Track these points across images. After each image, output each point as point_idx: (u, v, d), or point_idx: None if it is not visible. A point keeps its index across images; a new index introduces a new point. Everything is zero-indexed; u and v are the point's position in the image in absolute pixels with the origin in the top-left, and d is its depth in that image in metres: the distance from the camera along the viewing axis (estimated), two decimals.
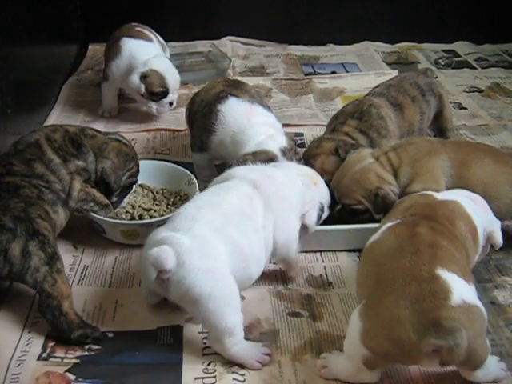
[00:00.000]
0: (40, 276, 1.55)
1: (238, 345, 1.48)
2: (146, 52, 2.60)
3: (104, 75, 2.71)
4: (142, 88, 2.53)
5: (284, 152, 1.95)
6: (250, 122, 2.02)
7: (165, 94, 2.58)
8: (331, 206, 1.88)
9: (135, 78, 2.52)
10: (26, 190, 1.68)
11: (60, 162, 1.79)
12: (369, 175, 1.88)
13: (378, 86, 2.35)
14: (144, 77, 2.52)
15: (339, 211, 1.91)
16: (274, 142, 1.97)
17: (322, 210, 1.79)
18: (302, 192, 1.73)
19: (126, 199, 2.01)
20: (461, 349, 1.23)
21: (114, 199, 1.94)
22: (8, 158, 1.77)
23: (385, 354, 1.32)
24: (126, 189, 1.98)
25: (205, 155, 2.15)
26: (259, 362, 1.49)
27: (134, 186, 2.08)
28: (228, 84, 2.20)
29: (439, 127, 2.39)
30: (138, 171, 2.00)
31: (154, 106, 2.62)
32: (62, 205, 1.77)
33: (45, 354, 1.52)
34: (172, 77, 2.59)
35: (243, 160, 1.91)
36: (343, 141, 2.04)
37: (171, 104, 2.65)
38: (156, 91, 2.55)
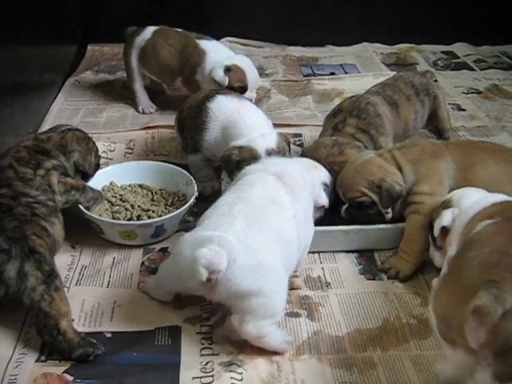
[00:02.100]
0: (37, 295, 1.51)
1: (272, 332, 1.51)
2: (224, 49, 2.69)
3: (192, 83, 2.68)
4: (227, 81, 2.55)
5: (269, 153, 1.97)
6: (240, 115, 2.04)
7: (243, 90, 2.60)
8: (337, 208, 1.90)
9: (220, 71, 2.54)
10: (19, 208, 1.66)
11: (31, 172, 1.77)
12: (371, 167, 1.87)
13: (374, 86, 2.36)
14: (228, 70, 2.56)
15: (346, 210, 1.90)
16: (264, 141, 1.98)
17: (327, 186, 1.87)
18: (309, 178, 1.79)
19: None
20: None
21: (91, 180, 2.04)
22: None
23: None
24: (97, 167, 2.09)
25: (198, 155, 2.17)
26: (286, 342, 1.54)
27: (134, 187, 2.10)
28: (213, 89, 2.30)
29: (436, 128, 2.41)
30: (97, 149, 2.11)
31: None
32: (56, 214, 1.75)
33: (42, 356, 1.52)
34: (252, 75, 2.62)
35: (229, 152, 1.96)
36: (358, 146, 2.04)
37: None
38: (235, 86, 2.57)
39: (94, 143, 2.09)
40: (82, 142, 2.01)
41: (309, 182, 1.78)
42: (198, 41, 2.66)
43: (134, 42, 2.72)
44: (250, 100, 2.45)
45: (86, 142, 2.03)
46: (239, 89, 2.55)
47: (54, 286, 1.53)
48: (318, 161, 1.96)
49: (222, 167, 2.07)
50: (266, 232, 1.51)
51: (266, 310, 1.47)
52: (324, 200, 1.82)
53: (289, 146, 2.08)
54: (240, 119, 2.03)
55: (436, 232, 1.67)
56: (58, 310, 1.52)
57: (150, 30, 2.73)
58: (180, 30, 2.75)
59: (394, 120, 2.19)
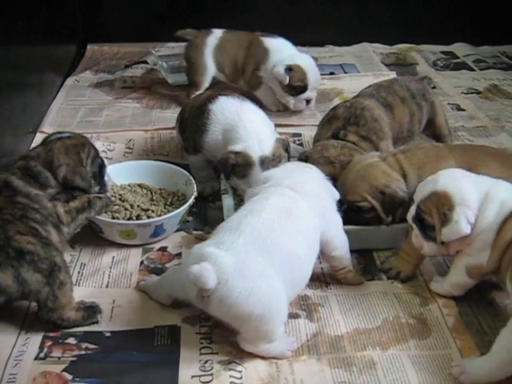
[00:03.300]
0: (42, 296, 1.52)
1: (272, 345, 1.51)
2: (288, 47, 2.76)
3: (255, 79, 2.76)
4: (287, 79, 2.62)
5: (262, 161, 1.99)
6: (240, 119, 2.05)
7: (303, 89, 2.68)
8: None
9: (281, 70, 2.62)
10: (8, 210, 1.58)
11: (37, 194, 1.67)
12: (374, 171, 1.87)
13: (368, 87, 2.35)
14: (289, 69, 2.62)
15: (345, 211, 1.88)
16: (259, 148, 1.99)
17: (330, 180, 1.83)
18: (321, 179, 1.76)
19: (109, 181, 1.90)
20: None
21: (96, 189, 1.83)
22: None
23: None
24: (100, 171, 1.85)
25: (199, 156, 2.17)
26: (289, 350, 1.54)
27: (133, 186, 2.09)
28: (216, 90, 2.33)
29: (433, 134, 2.40)
30: (96, 151, 1.86)
31: (291, 101, 2.71)
32: (54, 227, 1.66)
33: (42, 354, 1.52)
34: (313, 75, 2.69)
35: (226, 156, 1.98)
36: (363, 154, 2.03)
37: (308, 101, 2.74)
38: (295, 85, 2.64)
39: (90, 148, 1.83)
40: (71, 153, 1.76)
41: (323, 183, 1.75)
42: (263, 38, 2.74)
43: (206, 41, 2.78)
44: (309, 100, 2.67)
45: (76, 150, 1.77)
46: (299, 88, 2.64)
47: (57, 283, 1.53)
48: (328, 160, 1.97)
49: (220, 170, 2.08)
50: (269, 251, 1.48)
51: (259, 333, 1.48)
52: (336, 193, 1.78)
53: (287, 152, 2.07)
54: (240, 123, 2.04)
55: (448, 238, 1.62)
56: (62, 304, 1.54)
57: (219, 31, 2.84)
58: None
59: (390, 122, 2.18)
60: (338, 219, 1.72)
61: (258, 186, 1.71)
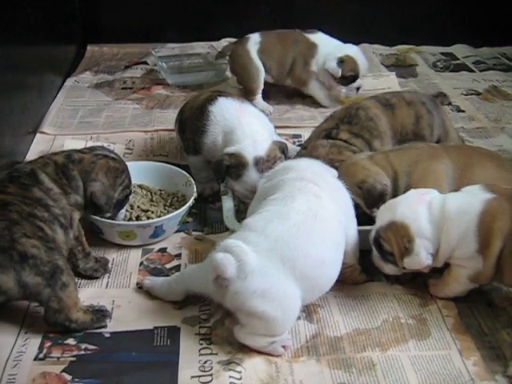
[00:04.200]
0: (44, 297, 1.52)
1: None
2: (331, 39, 2.84)
3: (305, 79, 2.82)
4: (340, 72, 2.72)
5: (256, 162, 1.99)
6: (240, 121, 2.05)
7: (354, 78, 2.77)
8: None
9: (333, 63, 2.72)
10: (16, 206, 1.57)
11: (60, 192, 1.70)
12: (354, 168, 1.88)
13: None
14: (341, 61, 2.71)
15: None
16: (254, 149, 1.99)
17: None
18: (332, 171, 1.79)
19: (123, 211, 1.92)
20: None
21: (108, 215, 1.85)
22: (2, 183, 1.68)
23: None
24: (122, 202, 1.89)
25: (199, 157, 2.17)
26: (283, 346, 1.55)
27: (133, 187, 2.09)
28: (215, 91, 2.34)
29: None
30: (130, 181, 1.90)
31: (343, 90, 2.80)
32: (61, 227, 1.65)
33: (41, 355, 1.52)
34: (362, 63, 2.78)
35: (221, 157, 2.00)
36: (354, 151, 2.03)
37: (358, 89, 2.81)
38: (347, 75, 2.73)
39: (126, 177, 1.87)
40: (110, 174, 1.80)
41: (333, 173, 1.78)
42: (307, 34, 2.82)
43: (248, 48, 2.82)
44: (359, 88, 2.74)
45: (115, 175, 1.82)
46: (351, 77, 2.73)
47: (59, 284, 1.53)
48: (317, 159, 1.96)
49: (214, 172, 2.08)
50: (292, 259, 1.49)
51: (266, 331, 1.50)
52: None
53: (284, 154, 2.06)
54: (239, 125, 2.04)
55: (410, 267, 1.66)
56: (68, 305, 1.54)
57: (255, 35, 2.86)
58: None
59: (390, 121, 2.16)
60: (351, 209, 1.73)
61: (276, 175, 1.73)
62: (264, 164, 1.99)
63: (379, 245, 1.69)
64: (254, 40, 2.84)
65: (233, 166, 2.00)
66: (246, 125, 2.04)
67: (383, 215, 1.70)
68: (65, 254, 1.63)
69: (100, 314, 1.62)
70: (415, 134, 2.20)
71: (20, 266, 1.49)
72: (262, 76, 2.82)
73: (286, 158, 2.08)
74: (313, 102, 2.94)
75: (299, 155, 2.08)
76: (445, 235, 1.62)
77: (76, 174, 1.75)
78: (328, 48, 2.77)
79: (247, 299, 1.45)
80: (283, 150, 2.07)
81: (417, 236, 1.62)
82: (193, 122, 2.16)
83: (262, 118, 2.15)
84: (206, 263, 1.58)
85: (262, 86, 2.84)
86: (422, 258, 1.62)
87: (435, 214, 1.63)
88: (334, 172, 1.79)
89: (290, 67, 2.83)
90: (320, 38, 2.82)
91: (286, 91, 3.04)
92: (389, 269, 1.72)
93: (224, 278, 1.45)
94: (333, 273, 1.59)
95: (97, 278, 1.78)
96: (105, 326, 1.61)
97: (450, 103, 2.45)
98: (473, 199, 1.63)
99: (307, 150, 2.06)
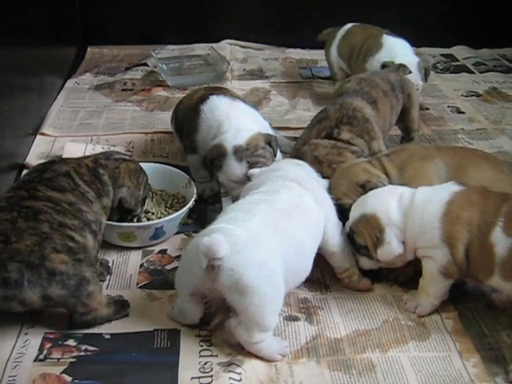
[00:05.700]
0: (69, 306, 1.54)
1: (265, 341, 1.51)
2: (403, 48, 2.80)
3: (361, 69, 2.79)
4: None
5: (236, 150, 1.98)
6: (228, 115, 2.06)
7: None
8: None
9: (377, 65, 2.70)
10: (47, 215, 1.55)
11: (95, 196, 1.72)
12: (355, 169, 1.88)
13: (349, 81, 2.35)
14: (383, 66, 2.66)
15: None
16: (233, 138, 1.99)
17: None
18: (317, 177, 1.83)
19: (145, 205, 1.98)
20: None
21: (136, 213, 1.92)
22: (32, 184, 1.65)
23: None
24: (145, 198, 1.94)
25: (196, 156, 2.18)
26: (280, 354, 1.53)
27: None
28: (208, 89, 2.34)
29: (405, 127, 2.44)
30: (147, 177, 1.94)
31: None
32: (91, 233, 1.65)
33: (41, 356, 1.52)
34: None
35: (205, 153, 2.02)
36: (356, 152, 2.05)
37: None
38: None
39: (144, 174, 1.92)
40: (133, 177, 1.85)
41: (313, 175, 1.81)
42: (384, 34, 2.83)
43: (336, 34, 3.00)
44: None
45: (137, 175, 1.87)
46: None
47: (85, 294, 1.53)
48: (317, 158, 1.98)
49: (204, 168, 2.09)
50: (279, 236, 1.52)
51: (257, 314, 1.46)
52: (326, 182, 1.85)
53: (270, 146, 2.03)
54: (227, 119, 2.05)
55: (384, 258, 1.69)
56: (94, 307, 1.57)
57: (350, 24, 3.02)
58: None
59: (375, 118, 2.18)
60: (333, 211, 1.75)
61: (267, 172, 1.76)
62: (243, 152, 1.97)
63: (353, 239, 1.72)
64: (344, 28, 3.00)
65: (215, 158, 2.00)
66: (233, 118, 2.05)
67: (355, 210, 1.74)
68: (93, 260, 1.62)
69: (120, 305, 1.65)
70: (390, 124, 2.29)
71: (47, 282, 1.48)
72: (335, 64, 3.02)
73: (275, 150, 2.06)
74: (313, 103, 2.94)
75: (299, 153, 2.06)
76: (410, 222, 1.65)
77: (107, 179, 1.79)
78: (390, 53, 2.72)
79: (244, 274, 1.42)
80: (269, 141, 2.04)
81: (387, 225, 1.66)
82: (188, 122, 2.18)
83: (253, 113, 2.16)
84: (186, 256, 1.56)
85: (339, 73, 3.04)
86: (393, 246, 1.65)
87: (405, 204, 1.67)
88: (324, 181, 1.83)
89: (356, 58, 2.86)
90: (391, 42, 2.79)
91: (284, 92, 3.05)
92: (364, 262, 1.75)
93: (218, 258, 1.40)
94: (308, 264, 1.63)
95: (102, 281, 1.76)
96: (126, 315, 1.64)
97: (410, 72, 2.48)
98: (442, 190, 1.67)
99: (310, 148, 2.05)
